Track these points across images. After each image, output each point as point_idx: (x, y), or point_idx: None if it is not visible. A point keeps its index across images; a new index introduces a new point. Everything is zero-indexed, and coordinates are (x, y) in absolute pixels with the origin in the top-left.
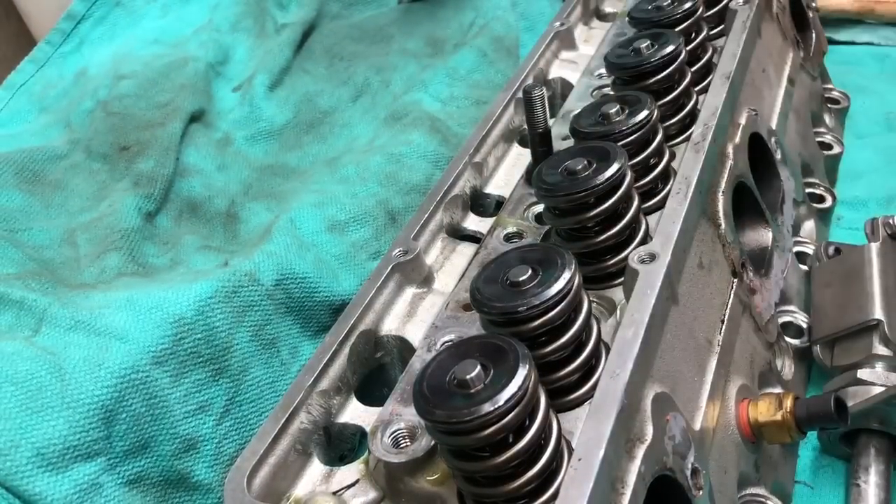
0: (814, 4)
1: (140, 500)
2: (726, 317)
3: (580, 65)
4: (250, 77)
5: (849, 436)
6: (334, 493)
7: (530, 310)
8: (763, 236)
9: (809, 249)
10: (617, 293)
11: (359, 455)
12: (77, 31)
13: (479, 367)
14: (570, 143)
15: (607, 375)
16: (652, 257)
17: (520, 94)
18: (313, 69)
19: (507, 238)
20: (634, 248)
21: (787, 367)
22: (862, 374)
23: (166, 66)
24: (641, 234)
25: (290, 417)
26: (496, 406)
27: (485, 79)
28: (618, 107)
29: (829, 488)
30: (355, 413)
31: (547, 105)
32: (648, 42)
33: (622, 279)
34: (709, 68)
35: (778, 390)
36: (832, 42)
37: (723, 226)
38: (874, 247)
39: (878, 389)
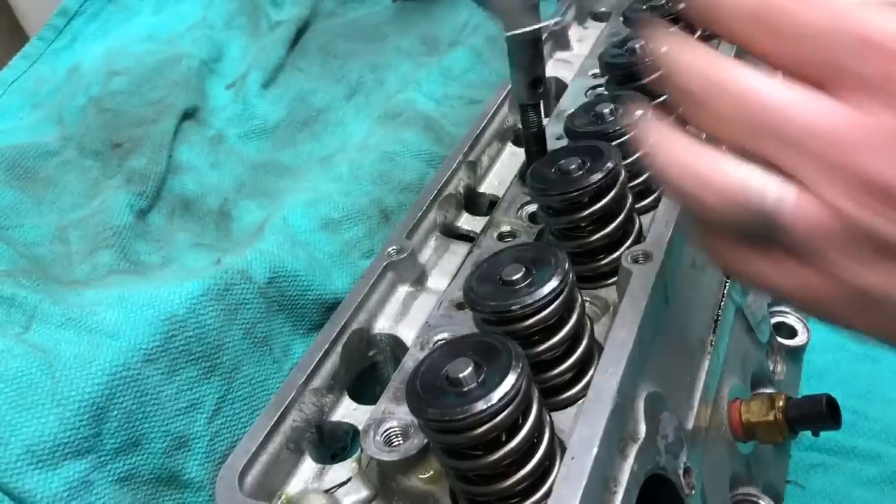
0: None
1: (131, 497)
2: (719, 317)
3: (574, 64)
4: (244, 74)
5: None
6: (326, 492)
7: (523, 308)
8: None
9: None
10: (610, 292)
11: (351, 453)
12: (70, 27)
13: (472, 366)
14: (564, 142)
15: (600, 374)
16: (645, 257)
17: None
18: (307, 67)
19: (501, 237)
20: (628, 248)
21: (779, 368)
22: None
23: (159, 63)
24: (635, 233)
25: (282, 415)
26: (489, 404)
27: (479, 78)
28: (612, 106)
29: (820, 488)
30: (347, 411)
31: (541, 104)
32: (643, 42)
33: (615, 279)
34: None
35: (770, 390)
36: None
37: None
38: None
39: None
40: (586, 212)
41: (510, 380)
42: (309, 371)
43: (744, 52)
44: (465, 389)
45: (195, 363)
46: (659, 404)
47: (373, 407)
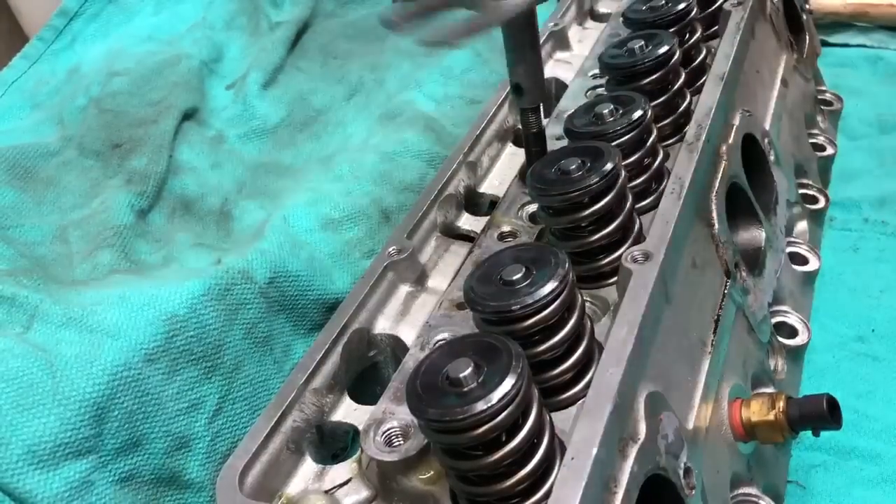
0: (807, 6)
1: (131, 498)
2: (719, 317)
3: (574, 65)
4: (244, 75)
5: None
6: (327, 492)
7: (523, 308)
8: (756, 237)
9: (802, 250)
10: (611, 293)
11: (351, 454)
12: (70, 27)
13: (472, 366)
14: (565, 142)
15: (600, 374)
16: (646, 257)
17: None
18: (307, 67)
19: (501, 237)
20: (628, 248)
21: (779, 367)
22: None
23: (159, 64)
24: (635, 233)
25: (282, 415)
26: (489, 405)
27: (479, 78)
28: (612, 107)
29: (821, 488)
30: (348, 411)
31: (541, 105)
32: (642, 42)
33: (616, 279)
34: (703, 69)
35: (770, 390)
36: (825, 44)
37: (716, 226)
38: None
39: None
40: (586, 212)
41: (510, 380)
42: (309, 371)
43: None
44: (466, 390)
45: (196, 363)
46: (659, 404)
47: (373, 407)
